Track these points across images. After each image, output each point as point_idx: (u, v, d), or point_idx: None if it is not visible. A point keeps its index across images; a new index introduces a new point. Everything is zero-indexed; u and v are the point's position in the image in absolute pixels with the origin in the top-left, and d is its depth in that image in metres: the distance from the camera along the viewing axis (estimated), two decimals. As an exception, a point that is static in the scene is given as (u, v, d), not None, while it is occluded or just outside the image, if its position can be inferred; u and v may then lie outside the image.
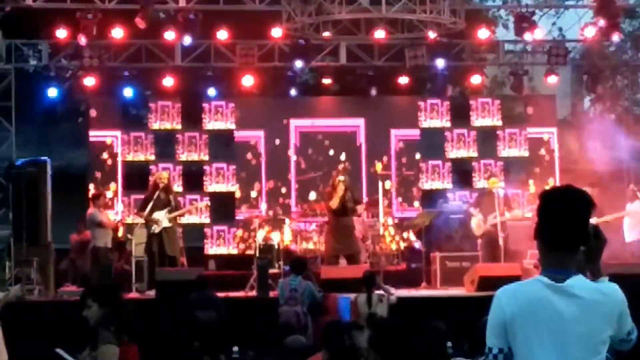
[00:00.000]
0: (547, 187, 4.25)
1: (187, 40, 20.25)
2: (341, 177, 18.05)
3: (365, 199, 20.67)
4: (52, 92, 21.20)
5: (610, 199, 17.73)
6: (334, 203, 17.66)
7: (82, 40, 19.74)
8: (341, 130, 22.38)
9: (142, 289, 17.77)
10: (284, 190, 21.94)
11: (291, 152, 22.12)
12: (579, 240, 4.10)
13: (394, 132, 22.37)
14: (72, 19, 19.95)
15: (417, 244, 20.10)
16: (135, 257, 18.50)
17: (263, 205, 21.75)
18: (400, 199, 22.07)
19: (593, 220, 4.19)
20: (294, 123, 22.22)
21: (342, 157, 19.94)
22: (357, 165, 22.02)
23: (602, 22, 20.19)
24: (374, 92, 22.32)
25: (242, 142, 22.15)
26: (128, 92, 21.59)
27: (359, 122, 22.38)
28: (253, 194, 21.94)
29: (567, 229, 4.08)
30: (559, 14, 23.77)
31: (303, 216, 20.82)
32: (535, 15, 21.24)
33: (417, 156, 22.34)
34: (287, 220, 20.14)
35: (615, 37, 20.87)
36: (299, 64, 21.14)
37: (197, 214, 21.13)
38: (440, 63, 21.40)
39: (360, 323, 13.73)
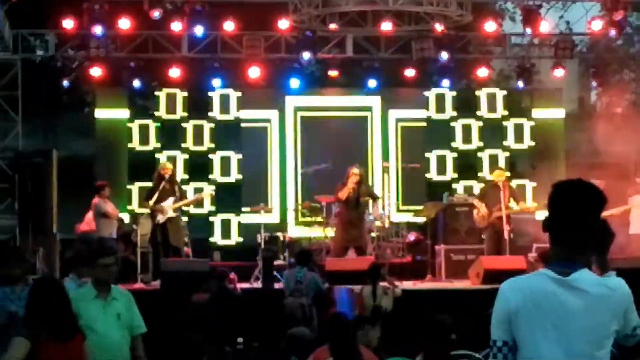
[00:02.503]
0: (560, 180, 4.20)
1: (199, 30, 20.30)
2: (355, 170, 17.96)
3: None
4: (64, 84, 21.24)
5: (617, 192, 17.72)
6: (343, 194, 17.64)
7: (95, 30, 19.77)
8: (347, 121, 22.44)
9: (148, 280, 17.77)
10: (290, 181, 22.00)
11: (298, 145, 22.19)
12: (588, 234, 4.09)
13: (400, 124, 22.39)
14: (79, 9, 19.97)
15: (412, 237, 20.12)
16: (140, 247, 18.50)
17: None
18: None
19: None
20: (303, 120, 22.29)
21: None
22: (364, 157, 22.07)
23: (619, 16, 20.15)
24: (379, 84, 22.30)
25: (248, 132, 22.17)
26: (135, 82, 21.61)
27: (366, 114, 22.45)
28: (259, 184, 21.98)
29: (577, 223, 4.06)
30: (566, 7, 23.68)
31: (308, 208, 20.80)
32: (542, 8, 21.21)
33: (423, 148, 22.38)
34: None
35: (612, 32, 20.84)
36: (306, 55, 21.12)
37: (203, 201, 21.03)
38: (445, 56, 21.37)
39: (370, 317, 13.81)
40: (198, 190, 20.65)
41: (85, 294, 7.86)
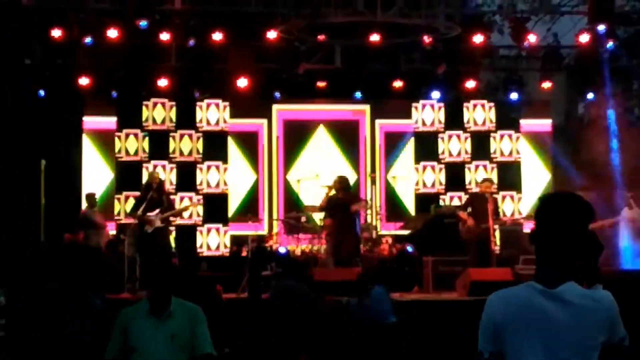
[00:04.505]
0: (547, 193, 4.24)
1: (188, 40, 20.33)
2: (335, 179, 18.12)
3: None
4: (45, 92, 21.22)
5: (605, 204, 17.78)
6: (321, 203, 17.93)
7: (87, 39, 19.78)
8: (334, 133, 22.51)
9: (134, 290, 17.74)
10: (275, 191, 22.04)
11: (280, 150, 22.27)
12: (575, 247, 4.10)
13: (388, 136, 22.44)
14: (67, 19, 19.94)
15: (410, 248, 20.11)
16: (127, 257, 18.47)
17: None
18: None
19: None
20: (282, 115, 22.36)
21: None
22: (355, 167, 22.18)
23: (602, 28, 20.25)
24: (367, 95, 22.34)
25: (235, 142, 22.19)
26: (122, 92, 21.59)
27: (351, 127, 22.52)
28: (247, 195, 22.04)
29: (565, 236, 4.08)
30: (554, 20, 23.79)
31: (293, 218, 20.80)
32: (530, 21, 21.27)
33: (411, 159, 22.43)
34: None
35: (610, 44, 20.92)
36: (302, 67, 21.20)
37: (189, 211, 21.02)
38: (442, 68, 21.40)
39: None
40: (185, 201, 20.68)
41: (136, 309, 6.90)
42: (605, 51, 21.56)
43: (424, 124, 22.53)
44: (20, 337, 7.80)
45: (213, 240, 21.66)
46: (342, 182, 18.23)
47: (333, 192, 17.82)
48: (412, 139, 22.53)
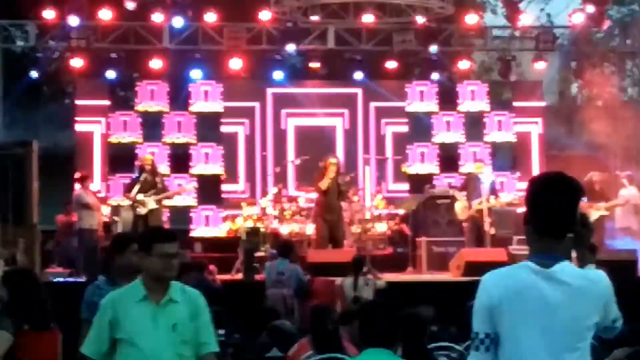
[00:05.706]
0: (538, 173, 4.24)
1: (179, 22, 20.26)
2: (333, 160, 17.89)
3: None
4: (38, 74, 21.19)
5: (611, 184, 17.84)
6: (324, 184, 17.58)
7: (76, 20, 19.71)
8: (328, 114, 22.40)
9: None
10: (268, 172, 22.01)
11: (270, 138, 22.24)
12: (567, 226, 4.11)
13: (381, 117, 22.38)
14: (60, 0, 19.89)
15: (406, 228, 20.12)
16: (121, 239, 18.41)
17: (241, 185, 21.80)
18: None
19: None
20: (284, 111, 22.26)
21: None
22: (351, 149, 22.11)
23: (591, 9, 20.24)
24: (361, 76, 22.29)
25: (228, 125, 22.13)
26: (115, 73, 21.53)
27: (345, 108, 22.43)
28: (239, 176, 21.99)
29: (557, 216, 4.08)
30: (547, 0, 23.77)
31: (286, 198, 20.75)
32: (523, 1, 21.28)
33: (404, 140, 22.39)
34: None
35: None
36: (291, 47, 21.10)
37: (182, 194, 21.00)
38: (434, 49, 21.34)
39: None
40: (179, 183, 20.68)
41: (128, 295, 5.83)
42: (597, 32, 21.57)
43: (417, 104, 22.46)
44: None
45: (207, 222, 21.63)
46: (339, 165, 18.11)
47: (333, 174, 17.65)
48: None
